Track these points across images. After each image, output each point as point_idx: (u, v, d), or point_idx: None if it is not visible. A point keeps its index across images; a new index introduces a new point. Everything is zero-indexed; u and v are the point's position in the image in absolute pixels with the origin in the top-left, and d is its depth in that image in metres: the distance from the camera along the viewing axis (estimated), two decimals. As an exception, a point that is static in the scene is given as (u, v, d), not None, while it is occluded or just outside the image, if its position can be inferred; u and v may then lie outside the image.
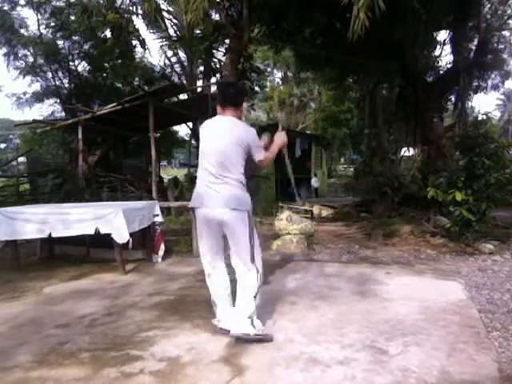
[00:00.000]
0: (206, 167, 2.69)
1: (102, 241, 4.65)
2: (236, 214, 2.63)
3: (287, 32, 9.86)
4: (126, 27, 13.09)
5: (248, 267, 2.67)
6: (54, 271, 4.66)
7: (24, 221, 4.50)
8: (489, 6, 12.18)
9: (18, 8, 15.57)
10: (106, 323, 3.03)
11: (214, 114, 3.03)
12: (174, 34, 17.12)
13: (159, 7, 12.29)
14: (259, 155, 2.78)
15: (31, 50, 15.24)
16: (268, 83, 26.56)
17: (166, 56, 18.16)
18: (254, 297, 2.66)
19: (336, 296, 3.59)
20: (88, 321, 3.08)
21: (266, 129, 17.00)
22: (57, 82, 16.06)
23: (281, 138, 2.96)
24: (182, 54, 17.87)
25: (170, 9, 16.65)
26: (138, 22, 29.69)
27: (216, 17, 11.83)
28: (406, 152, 12.25)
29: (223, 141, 2.66)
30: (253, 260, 2.67)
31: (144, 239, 5.13)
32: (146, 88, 13.14)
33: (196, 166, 3.33)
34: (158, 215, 5.21)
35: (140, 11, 13.10)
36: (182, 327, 2.91)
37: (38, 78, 16.46)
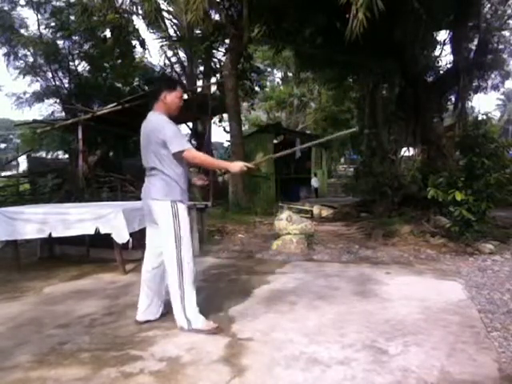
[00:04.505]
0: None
1: (101, 241, 4.65)
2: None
3: (287, 32, 9.86)
4: (126, 27, 13.12)
5: None
6: (54, 271, 4.66)
7: (24, 221, 4.49)
8: (489, 6, 12.19)
9: (18, 8, 15.61)
10: (106, 323, 3.03)
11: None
12: (174, 34, 17.13)
13: (159, 7, 12.31)
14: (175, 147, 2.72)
15: (31, 50, 15.26)
16: (268, 83, 26.55)
17: (166, 56, 18.20)
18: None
19: (336, 296, 3.59)
20: (88, 321, 3.08)
21: (266, 128, 17.01)
22: (57, 82, 16.08)
23: (238, 166, 2.86)
24: (182, 54, 17.90)
25: (170, 9, 16.67)
26: (138, 22, 29.70)
27: (216, 17, 11.84)
28: (406, 152, 12.24)
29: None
30: None
31: (144, 239, 5.12)
32: (146, 88, 13.15)
33: (195, 165, 3.32)
34: (157, 215, 5.20)
35: (140, 11, 13.13)
36: (181, 327, 2.91)
37: (38, 78, 16.49)
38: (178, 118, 2.91)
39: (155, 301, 2.99)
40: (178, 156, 2.76)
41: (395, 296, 3.56)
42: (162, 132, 2.71)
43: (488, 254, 5.22)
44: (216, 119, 16.74)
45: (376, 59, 9.46)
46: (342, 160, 35.49)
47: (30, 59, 15.85)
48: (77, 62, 16.06)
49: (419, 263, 4.93)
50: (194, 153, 2.81)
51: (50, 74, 15.98)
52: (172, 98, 2.83)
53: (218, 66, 16.67)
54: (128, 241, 4.35)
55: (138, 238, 4.87)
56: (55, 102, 17.49)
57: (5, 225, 4.51)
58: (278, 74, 29.48)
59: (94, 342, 2.68)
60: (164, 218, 2.78)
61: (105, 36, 15.12)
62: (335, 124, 22.39)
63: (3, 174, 15.87)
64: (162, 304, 3.06)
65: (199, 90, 14.93)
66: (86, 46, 15.67)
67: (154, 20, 11.95)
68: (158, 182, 2.79)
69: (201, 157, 2.88)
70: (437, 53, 14.10)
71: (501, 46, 14.58)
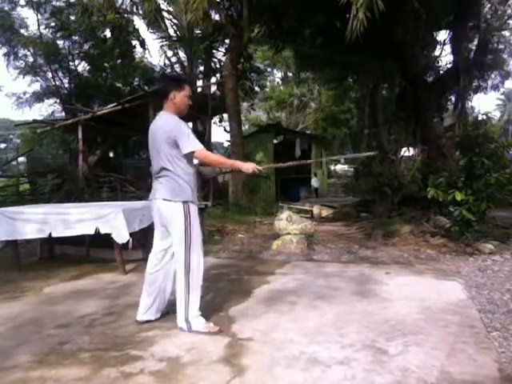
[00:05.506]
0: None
1: (102, 241, 4.65)
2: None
3: (287, 32, 9.87)
4: (126, 27, 13.12)
5: None
6: (54, 271, 4.66)
7: (24, 221, 4.50)
8: (489, 5, 12.19)
9: (18, 8, 15.61)
10: (106, 323, 3.03)
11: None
12: (174, 34, 17.12)
13: (159, 7, 12.32)
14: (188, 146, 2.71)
15: (31, 50, 15.26)
16: (268, 83, 26.55)
17: (166, 56, 18.18)
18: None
19: (336, 296, 3.59)
20: (88, 321, 3.08)
21: (266, 128, 17.02)
22: (57, 82, 16.09)
23: (251, 166, 2.86)
24: (181, 54, 17.89)
25: (170, 9, 16.65)
26: (138, 22, 29.70)
27: (216, 17, 11.83)
28: (406, 152, 12.25)
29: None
30: None
31: (144, 239, 5.13)
32: (146, 88, 13.15)
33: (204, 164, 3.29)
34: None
35: (140, 11, 13.14)
36: (182, 327, 2.91)
37: (38, 78, 16.50)
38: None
39: (156, 302, 2.99)
40: (189, 156, 2.76)
41: (395, 296, 3.56)
42: (173, 132, 2.69)
43: (488, 253, 5.21)
44: (216, 119, 16.74)
45: (376, 59, 9.47)
46: (342, 160, 35.43)
47: (30, 59, 15.86)
48: (77, 62, 16.08)
49: (419, 263, 4.93)
50: (205, 152, 2.80)
51: (50, 74, 16.00)
52: (181, 97, 2.81)
53: (217, 66, 16.67)
54: (128, 241, 4.35)
55: (138, 238, 4.89)
56: (55, 102, 17.51)
57: (5, 225, 4.51)
58: (278, 74, 29.49)
59: (93, 342, 2.68)
60: (175, 219, 2.74)
61: (105, 36, 15.12)
62: (335, 124, 22.37)
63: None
64: (165, 304, 3.05)
65: (199, 89, 14.92)
66: (86, 46, 15.68)
67: (154, 20, 11.97)
68: (168, 182, 2.75)
69: (210, 156, 2.86)
70: (437, 53, 14.12)
71: (501, 46, 14.58)
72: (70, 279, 4.36)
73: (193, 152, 2.72)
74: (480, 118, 6.20)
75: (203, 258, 2.88)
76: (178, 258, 2.79)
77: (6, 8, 15.19)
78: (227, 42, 12.53)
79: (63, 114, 16.00)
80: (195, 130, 15.73)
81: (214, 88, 15.88)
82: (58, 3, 15.05)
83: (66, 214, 4.51)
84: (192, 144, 2.72)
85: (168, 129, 2.71)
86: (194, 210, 2.78)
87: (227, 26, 10.46)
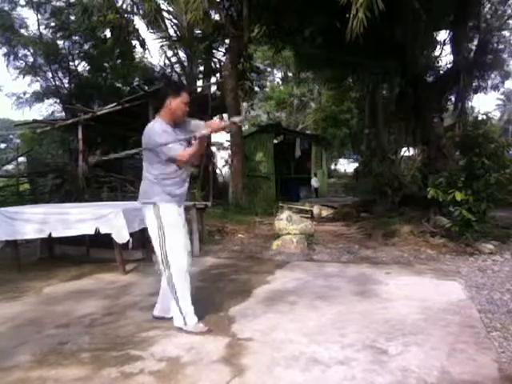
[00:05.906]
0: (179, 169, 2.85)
1: (101, 241, 4.65)
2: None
3: (287, 32, 9.86)
4: (126, 27, 13.11)
5: None
6: (54, 271, 4.66)
7: (24, 221, 4.50)
8: (489, 5, 12.18)
9: (18, 8, 15.62)
10: (106, 323, 3.03)
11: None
12: (174, 34, 17.10)
13: (159, 7, 12.32)
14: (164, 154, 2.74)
15: (31, 50, 15.27)
16: (268, 83, 26.54)
17: (166, 56, 18.15)
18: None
19: (336, 296, 3.59)
20: (88, 321, 3.08)
21: (266, 128, 17.00)
22: (57, 82, 16.10)
23: (213, 124, 2.87)
24: (181, 54, 17.86)
25: (170, 9, 16.63)
26: (138, 22, 29.63)
27: (216, 17, 11.83)
28: (406, 152, 12.26)
29: None
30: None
31: (144, 239, 5.13)
32: (146, 88, 13.14)
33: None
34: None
35: (140, 11, 13.13)
36: (182, 327, 2.91)
37: (38, 78, 16.51)
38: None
39: (162, 301, 3.02)
40: (171, 160, 2.78)
41: (395, 296, 3.56)
42: (149, 141, 2.77)
43: (488, 253, 5.21)
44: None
45: (376, 59, 9.46)
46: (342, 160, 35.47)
47: (30, 59, 15.87)
48: (77, 62, 16.09)
49: (419, 263, 4.93)
50: (181, 155, 2.74)
51: (50, 74, 16.01)
52: (177, 103, 2.82)
53: (217, 65, 16.66)
54: (128, 241, 4.35)
55: (138, 238, 4.88)
56: (55, 102, 17.51)
57: (5, 225, 4.51)
58: (278, 74, 29.49)
59: (94, 342, 2.68)
60: (147, 220, 2.85)
61: (105, 36, 15.12)
62: (335, 124, 22.38)
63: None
64: (168, 305, 3.06)
65: (199, 89, 14.92)
66: (86, 46, 15.68)
67: (154, 20, 11.96)
68: (143, 185, 2.88)
69: (184, 154, 2.75)
70: (437, 53, 14.11)
71: (501, 46, 14.58)
72: (70, 279, 4.36)
73: (172, 159, 2.75)
74: (480, 118, 6.20)
75: (191, 257, 2.91)
76: (157, 257, 2.85)
77: (6, 8, 15.19)
78: (227, 42, 12.53)
79: (63, 114, 16.00)
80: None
81: (214, 88, 15.88)
82: (57, 3, 15.06)
83: (66, 213, 4.51)
84: (166, 153, 2.72)
85: (146, 137, 2.80)
86: (166, 210, 2.79)
87: (227, 25, 10.46)
